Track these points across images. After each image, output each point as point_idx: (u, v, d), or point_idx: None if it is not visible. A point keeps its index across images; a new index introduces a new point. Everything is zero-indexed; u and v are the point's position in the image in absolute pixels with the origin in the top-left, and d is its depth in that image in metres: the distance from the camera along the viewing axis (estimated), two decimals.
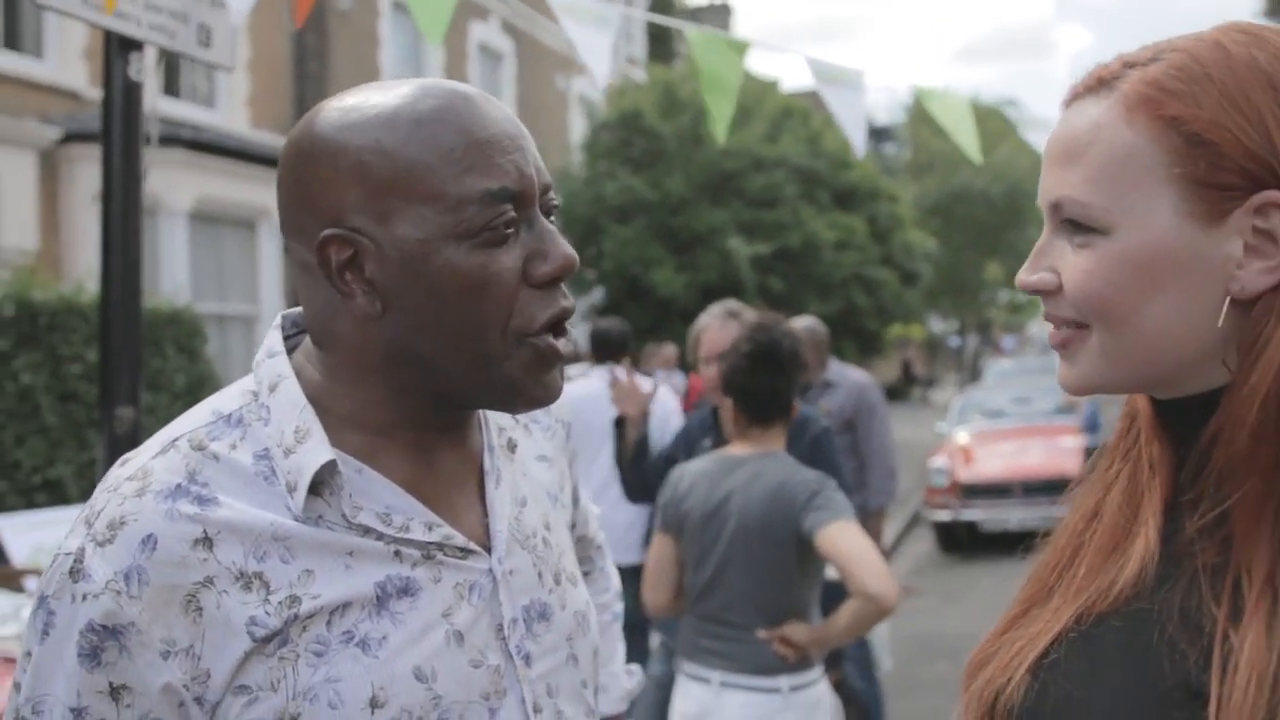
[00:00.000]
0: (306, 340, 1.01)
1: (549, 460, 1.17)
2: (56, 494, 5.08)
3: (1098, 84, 0.85)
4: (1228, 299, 0.80)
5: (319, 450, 0.92)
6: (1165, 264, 0.80)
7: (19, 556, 4.11)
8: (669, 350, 10.43)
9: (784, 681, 2.64)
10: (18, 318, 5.06)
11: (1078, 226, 0.83)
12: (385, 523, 0.94)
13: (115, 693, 0.86)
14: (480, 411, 1.06)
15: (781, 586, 2.67)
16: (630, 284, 14.09)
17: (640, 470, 3.57)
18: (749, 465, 2.75)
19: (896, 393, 33.52)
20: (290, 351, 1.00)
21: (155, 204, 9.65)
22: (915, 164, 30.49)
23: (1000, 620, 0.95)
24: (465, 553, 0.98)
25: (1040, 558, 0.96)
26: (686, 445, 3.51)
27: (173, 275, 9.80)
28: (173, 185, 9.67)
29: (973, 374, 30.08)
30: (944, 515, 9.89)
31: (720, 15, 28.66)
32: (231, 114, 11.79)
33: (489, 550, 1.00)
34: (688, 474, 2.86)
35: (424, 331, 0.93)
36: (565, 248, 0.95)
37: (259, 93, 12.09)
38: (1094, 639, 0.85)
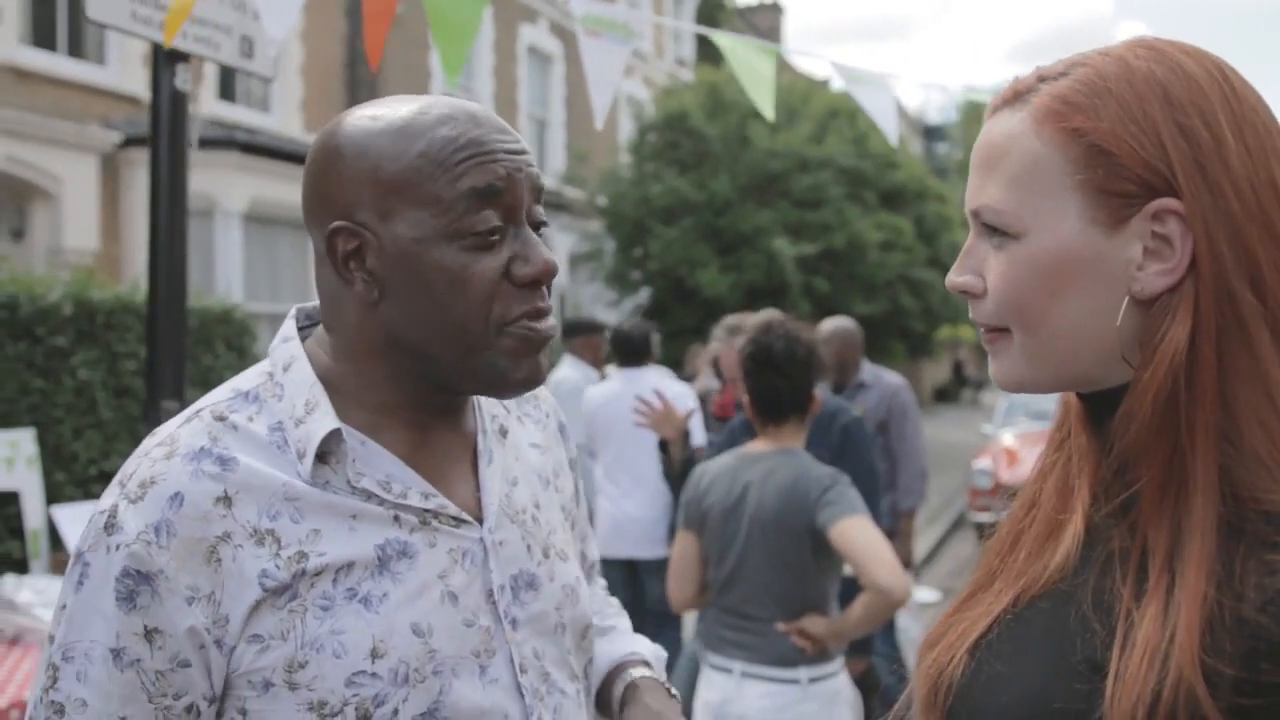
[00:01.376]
0: (319, 329, 1.12)
1: (540, 447, 1.26)
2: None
3: (1014, 97, 0.90)
4: (1127, 299, 0.84)
5: (326, 420, 1.02)
6: (1072, 266, 0.85)
7: (74, 544, 4.29)
8: (714, 348, 10.47)
9: (803, 673, 2.70)
10: (76, 316, 5.25)
11: (994, 230, 0.89)
12: (385, 489, 1.04)
13: (149, 635, 0.95)
14: (473, 401, 1.17)
15: (798, 580, 2.73)
16: (676, 285, 14.14)
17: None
18: (765, 462, 2.82)
19: (946, 394, 33.19)
20: (305, 340, 1.11)
21: (210, 206, 9.90)
22: (967, 164, 30.15)
23: (951, 603, 1.01)
24: (458, 521, 1.07)
25: (989, 544, 1.02)
26: (730, 446, 3.58)
27: (227, 275, 10.04)
28: (227, 187, 9.91)
29: None
30: (987, 516, 9.85)
31: (772, 15, 28.57)
32: (285, 118, 12.04)
33: (480, 521, 1.10)
34: (708, 472, 2.94)
35: (415, 320, 1.03)
36: (547, 254, 1.05)
37: (312, 97, 12.33)
38: (1024, 620, 0.90)
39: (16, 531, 4.61)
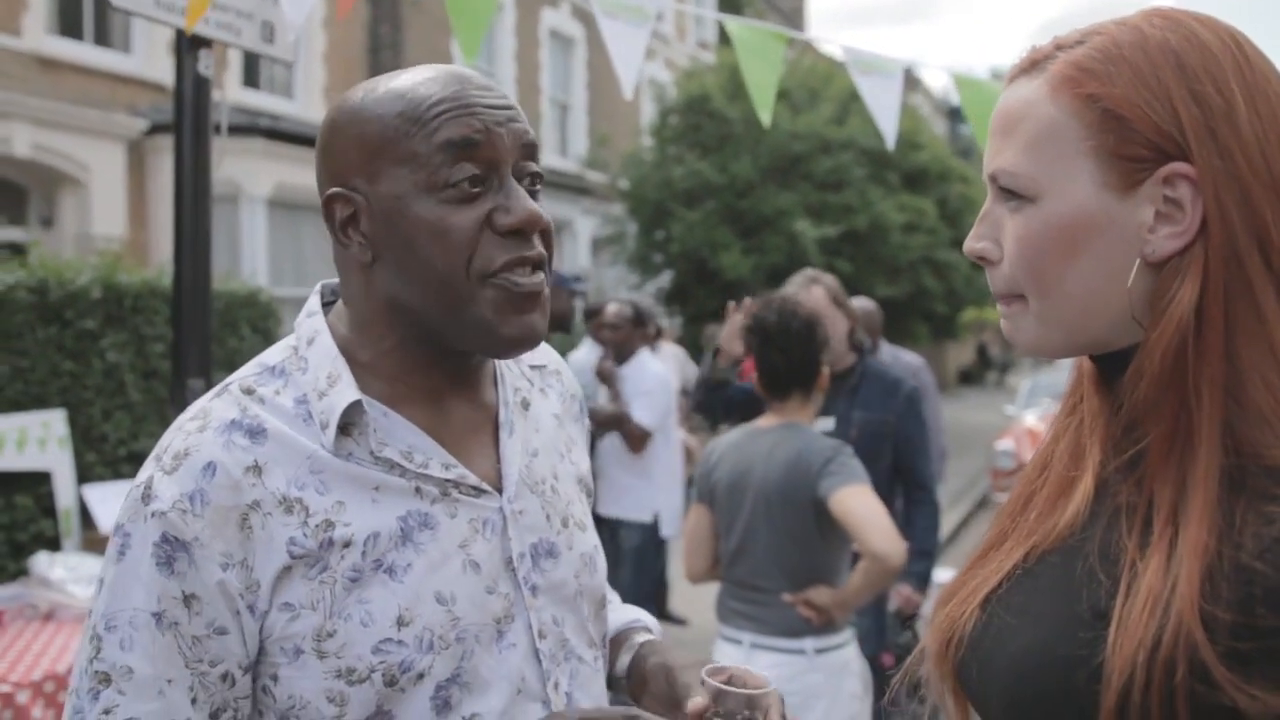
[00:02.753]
0: (339, 302, 1.15)
1: (559, 420, 1.28)
2: (140, 465, 5.33)
3: (1031, 65, 0.93)
4: (1138, 260, 0.87)
5: (347, 392, 1.05)
6: (1085, 228, 0.88)
7: (106, 523, 4.37)
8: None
9: (809, 644, 2.74)
10: (105, 299, 5.32)
11: (1011, 194, 0.92)
12: (407, 459, 1.06)
13: (187, 600, 0.98)
14: (496, 371, 1.19)
15: (804, 552, 2.77)
16: (698, 267, 14.13)
17: (716, 397, 3.72)
18: (770, 436, 2.85)
19: (971, 377, 33.00)
20: (328, 315, 1.14)
21: (235, 191, 9.99)
22: None
23: (966, 562, 1.04)
24: (478, 491, 1.10)
25: (1002, 505, 1.05)
26: (756, 405, 3.58)
27: (252, 260, 10.14)
28: (252, 173, 10.00)
29: (1049, 359, 29.39)
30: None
31: None
32: (309, 104, 12.11)
33: (500, 491, 1.12)
34: (719, 447, 2.98)
35: (404, 279, 1.05)
36: (529, 204, 1.05)
37: (335, 83, 12.40)
38: (1034, 574, 0.93)
39: (49, 510, 4.70)
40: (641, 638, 1.33)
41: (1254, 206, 0.83)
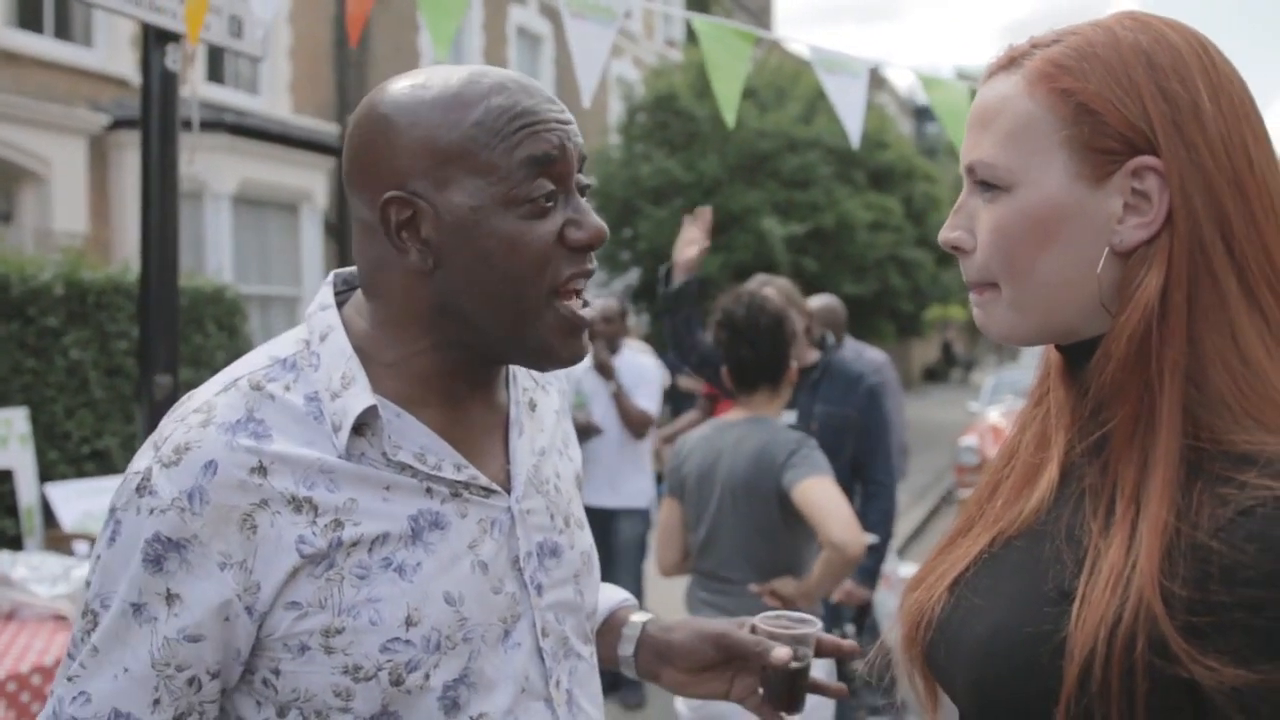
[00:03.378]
0: (357, 295, 1.12)
1: (559, 416, 1.28)
2: (104, 464, 5.29)
3: (1009, 62, 0.97)
4: (1107, 249, 0.91)
5: (362, 396, 1.02)
6: (1057, 218, 0.91)
7: (69, 522, 4.33)
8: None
9: None
10: (67, 296, 5.28)
11: (987, 185, 0.95)
12: (421, 461, 1.05)
13: (169, 598, 0.97)
14: (509, 372, 1.19)
15: (770, 543, 2.80)
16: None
17: (679, 322, 3.68)
18: (737, 429, 2.89)
19: (936, 374, 33.29)
20: (340, 307, 1.11)
21: (200, 188, 9.90)
22: (955, 145, 30.05)
23: (933, 550, 1.07)
24: (488, 492, 1.09)
25: (969, 495, 1.08)
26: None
27: (217, 257, 10.05)
28: (217, 169, 9.91)
29: (1012, 354, 29.81)
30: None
31: None
32: (274, 99, 12.02)
33: (509, 491, 1.12)
34: (689, 441, 3.01)
35: (469, 289, 1.04)
36: (599, 220, 1.07)
37: (301, 79, 12.31)
38: (1000, 558, 0.96)
39: (10, 509, 4.66)
40: (639, 616, 1.34)
41: (1217, 198, 0.87)
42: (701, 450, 2.92)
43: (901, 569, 5.39)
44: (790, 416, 3.56)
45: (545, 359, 1.08)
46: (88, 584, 1.02)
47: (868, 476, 3.71)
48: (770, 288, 3.65)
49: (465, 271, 1.03)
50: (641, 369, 5.40)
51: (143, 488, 0.98)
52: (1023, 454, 1.02)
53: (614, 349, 5.36)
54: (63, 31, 10.07)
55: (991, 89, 0.97)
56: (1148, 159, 0.89)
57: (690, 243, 3.58)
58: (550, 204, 1.04)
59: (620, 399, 5.19)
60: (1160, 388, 0.87)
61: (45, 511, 4.53)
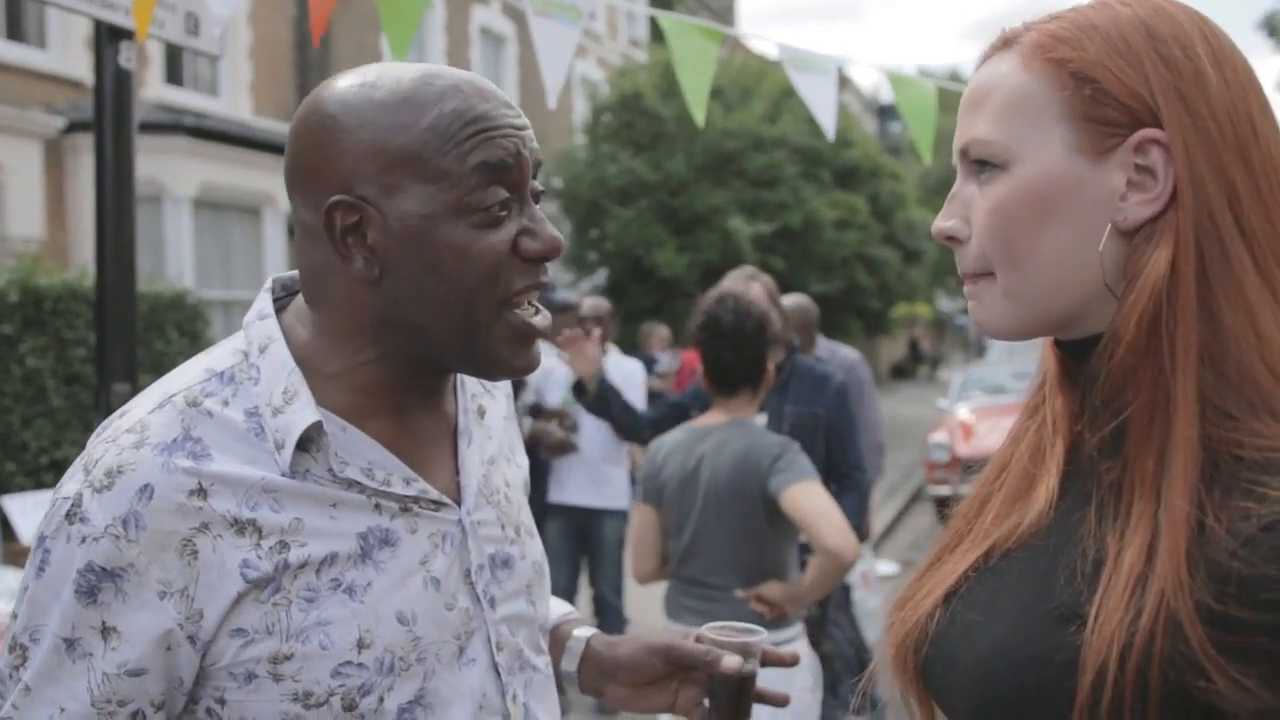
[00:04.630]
0: (297, 300, 1.06)
1: (506, 422, 1.24)
2: (62, 474, 5.18)
3: (1003, 44, 0.93)
4: (1109, 227, 0.86)
5: (306, 412, 0.97)
6: (1056, 194, 0.87)
7: (27, 535, 4.23)
8: (663, 331, 10.60)
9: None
10: (23, 302, 5.16)
11: (983, 165, 0.91)
12: (369, 477, 1.00)
13: (105, 632, 0.91)
14: (456, 379, 1.14)
15: (755, 548, 2.76)
16: (633, 265, 14.14)
17: (627, 420, 3.89)
18: (717, 433, 2.85)
19: (903, 371, 33.52)
20: (280, 313, 1.06)
21: (159, 191, 9.75)
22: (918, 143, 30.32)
23: (918, 567, 1.02)
24: (438, 505, 1.05)
25: (956, 509, 1.02)
26: (679, 418, 3.63)
27: (178, 261, 9.90)
28: (176, 172, 9.76)
29: (979, 351, 30.07)
30: (944, 490, 9.96)
31: None
32: (235, 101, 11.87)
33: (459, 503, 1.08)
34: (664, 446, 2.96)
35: (417, 299, 0.99)
36: (554, 231, 1.03)
37: (261, 80, 12.17)
38: (997, 571, 0.91)
39: None
40: (582, 631, 1.31)
41: (1224, 171, 0.84)
42: (680, 455, 2.88)
43: (879, 567, 5.37)
44: (760, 419, 3.54)
45: (495, 369, 1.04)
46: (14, 615, 0.96)
47: (840, 472, 3.71)
48: (757, 283, 3.64)
49: (413, 281, 0.98)
50: (627, 371, 5.41)
51: (73, 514, 0.92)
52: (1015, 466, 0.97)
53: (603, 349, 5.35)
54: (15, 33, 9.88)
55: (985, 71, 0.93)
56: (1152, 131, 0.84)
57: (590, 361, 3.78)
58: (504, 213, 1.00)
59: (564, 438, 5.18)
60: (1174, 370, 0.82)
61: (2, 524, 4.42)
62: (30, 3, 9.77)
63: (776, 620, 2.76)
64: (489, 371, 1.05)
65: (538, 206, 1.05)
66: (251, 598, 0.94)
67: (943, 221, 0.94)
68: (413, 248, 0.97)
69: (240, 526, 0.94)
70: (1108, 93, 0.85)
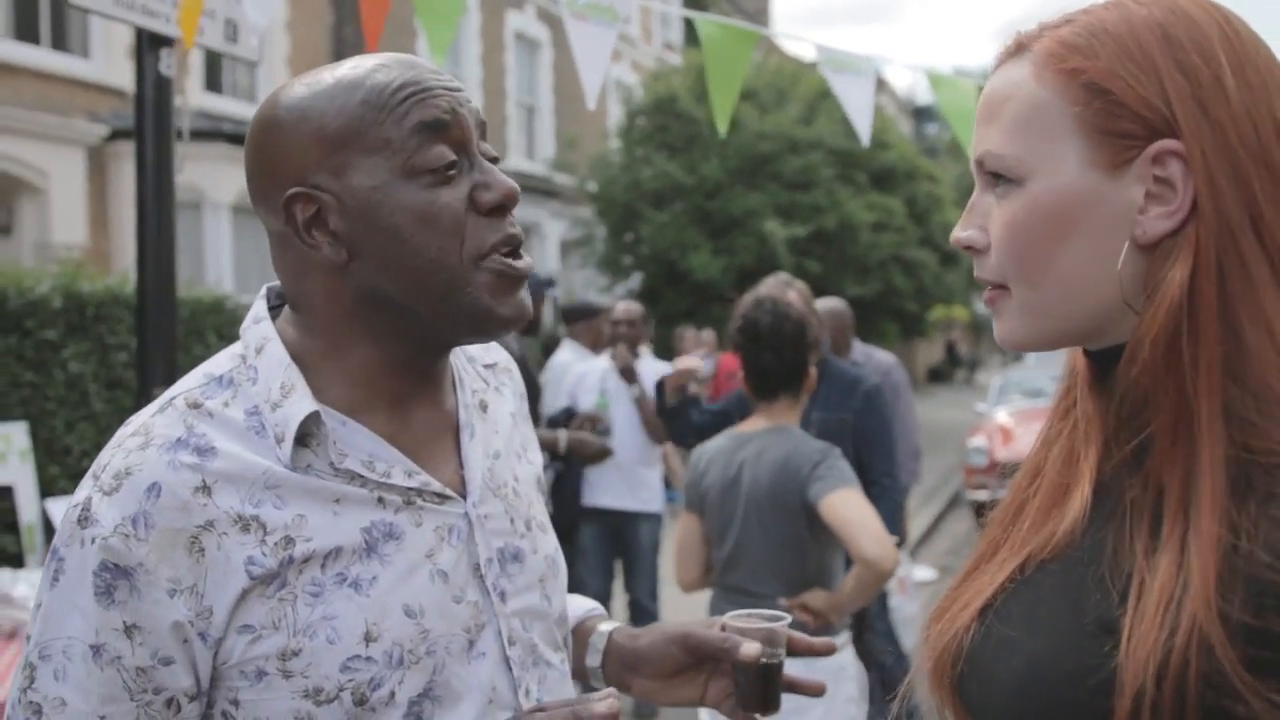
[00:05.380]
0: (286, 308, 1.08)
1: (515, 419, 1.24)
2: None
3: (1017, 49, 0.90)
4: (1128, 243, 0.84)
5: (303, 403, 0.99)
6: (1073, 210, 0.85)
7: None
8: (707, 335, 10.57)
9: None
10: (66, 308, 5.23)
11: (998, 178, 0.88)
12: (369, 469, 1.01)
13: (129, 631, 0.92)
14: (455, 375, 1.15)
15: (797, 556, 2.73)
16: (668, 269, 14.13)
17: (681, 421, 3.90)
18: (757, 440, 2.82)
19: (940, 375, 33.27)
20: (276, 319, 1.08)
21: (199, 197, 9.86)
22: (957, 143, 30.15)
23: (955, 577, 1.00)
24: (442, 498, 1.05)
25: (992, 516, 1.00)
26: (723, 425, 3.62)
27: (217, 267, 10.01)
28: (216, 179, 9.87)
29: (1017, 354, 29.78)
30: (982, 495, 9.87)
31: None
32: None
33: (464, 496, 1.08)
34: (706, 453, 2.94)
35: (388, 272, 1.00)
36: (506, 179, 1.03)
37: None
38: (1033, 584, 0.89)
39: (11, 526, 4.60)
40: (606, 625, 1.30)
41: (1245, 181, 0.80)
42: (721, 462, 2.86)
43: (916, 572, 5.32)
44: None
45: (485, 324, 1.04)
46: (27, 638, 0.96)
47: (870, 479, 3.66)
48: (793, 290, 3.62)
49: (380, 254, 1.00)
50: (660, 375, 5.39)
51: (84, 519, 0.94)
52: (1049, 472, 0.95)
53: (635, 353, 5.34)
54: (59, 42, 10.03)
55: (999, 77, 0.90)
56: (1169, 143, 0.81)
57: (686, 370, 3.81)
58: (453, 171, 1.01)
59: (643, 403, 5.16)
60: (1196, 390, 0.79)
61: (46, 528, 4.47)
62: (74, 12, 9.91)
63: (822, 629, 2.73)
64: (480, 327, 1.04)
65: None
66: (257, 593, 0.95)
67: (961, 231, 0.92)
68: (372, 221, 0.99)
69: (245, 523, 0.96)
70: (1122, 104, 0.83)
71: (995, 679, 0.87)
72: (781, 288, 3.66)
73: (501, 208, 1.03)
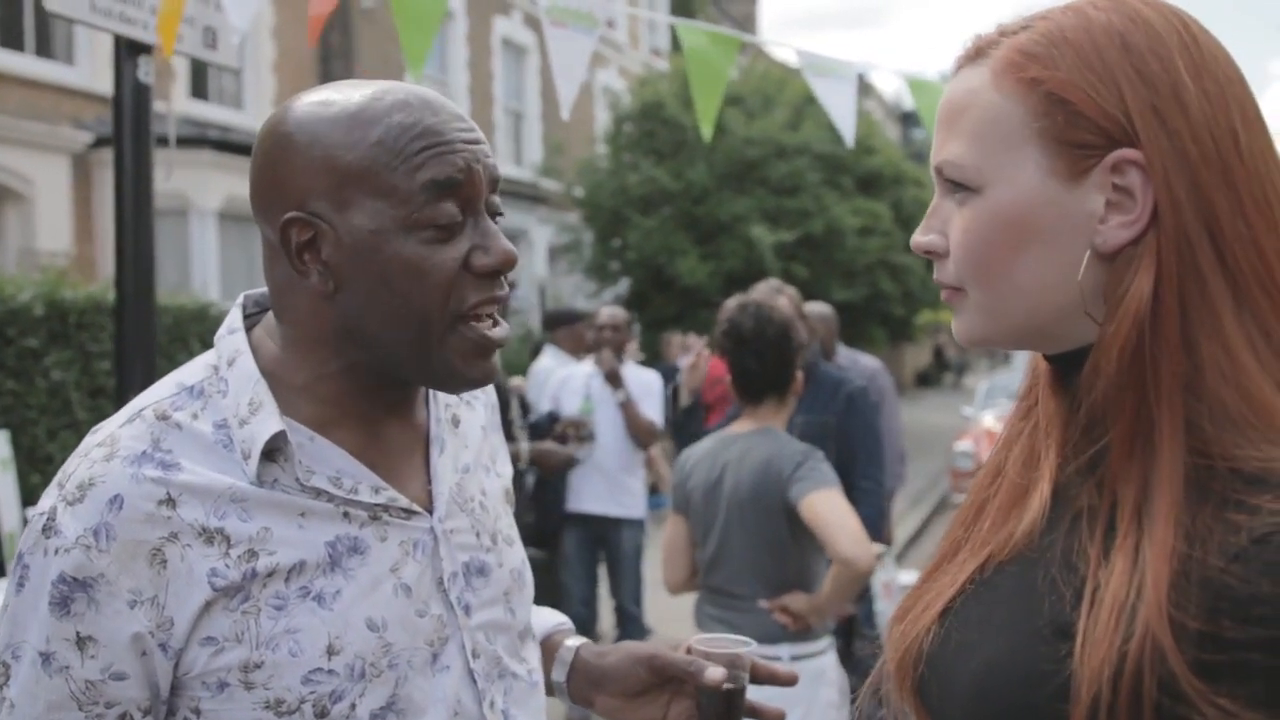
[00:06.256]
0: (268, 316, 1.09)
1: (485, 431, 1.25)
2: None
3: (976, 54, 0.90)
4: (1089, 252, 0.83)
5: (269, 421, 0.99)
6: (1032, 220, 0.84)
7: None
8: (692, 340, 10.56)
9: (785, 650, 2.71)
10: (48, 316, 5.21)
11: (958, 186, 0.88)
12: (336, 485, 1.02)
13: (81, 642, 0.93)
14: (427, 390, 1.15)
15: (778, 557, 2.75)
16: (655, 274, 14.12)
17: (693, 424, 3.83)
18: (742, 442, 2.83)
19: (928, 379, 33.34)
20: (252, 328, 1.09)
21: (185, 204, 9.83)
22: None
23: (919, 576, 1.00)
24: (409, 513, 1.06)
25: (954, 516, 1.01)
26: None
27: (203, 274, 9.98)
28: (202, 185, 9.84)
29: (1005, 358, 29.85)
30: None
31: (746, 3, 28.51)
32: (259, 114, 11.96)
33: (430, 511, 1.09)
34: (692, 455, 2.96)
35: (371, 313, 1.01)
36: (506, 244, 1.03)
37: (285, 93, 12.25)
38: (991, 585, 0.89)
39: None
40: (573, 640, 1.32)
41: (1204, 192, 0.80)
42: (706, 464, 2.87)
43: (902, 577, 5.32)
44: None
45: (451, 382, 1.06)
46: None
47: (851, 482, 3.68)
48: (783, 296, 3.65)
49: (366, 295, 1.01)
50: (645, 381, 5.41)
51: (48, 528, 0.95)
52: (1010, 472, 0.95)
53: (620, 359, 5.33)
54: (44, 49, 10.00)
55: (959, 83, 0.90)
56: (1128, 152, 0.81)
57: (701, 375, 3.70)
58: (456, 229, 1.01)
59: (628, 409, 5.17)
60: (1158, 401, 0.79)
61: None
62: (58, 20, 9.88)
63: (803, 633, 2.74)
64: (446, 384, 1.06)
65: (494, 222, 1.06)
66: (220, 605, 0.96)
67: (921, 236, 0.92)
68: (364, 263, 1.00)
69: (209, 536, 0.96)
70: (1082, 115, 0.83)
71: (954, 682, 0.87)
72: (771, 295, 3.70)
73: (495, 272, 1.03)
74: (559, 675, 1.30)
